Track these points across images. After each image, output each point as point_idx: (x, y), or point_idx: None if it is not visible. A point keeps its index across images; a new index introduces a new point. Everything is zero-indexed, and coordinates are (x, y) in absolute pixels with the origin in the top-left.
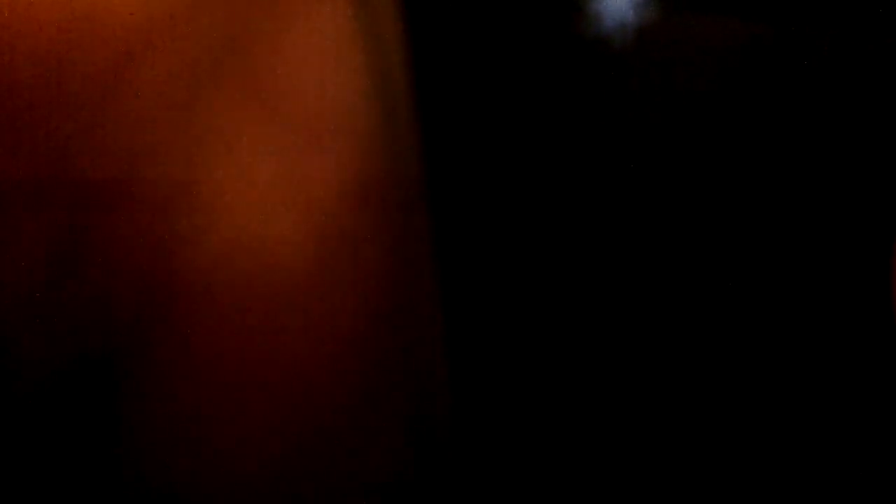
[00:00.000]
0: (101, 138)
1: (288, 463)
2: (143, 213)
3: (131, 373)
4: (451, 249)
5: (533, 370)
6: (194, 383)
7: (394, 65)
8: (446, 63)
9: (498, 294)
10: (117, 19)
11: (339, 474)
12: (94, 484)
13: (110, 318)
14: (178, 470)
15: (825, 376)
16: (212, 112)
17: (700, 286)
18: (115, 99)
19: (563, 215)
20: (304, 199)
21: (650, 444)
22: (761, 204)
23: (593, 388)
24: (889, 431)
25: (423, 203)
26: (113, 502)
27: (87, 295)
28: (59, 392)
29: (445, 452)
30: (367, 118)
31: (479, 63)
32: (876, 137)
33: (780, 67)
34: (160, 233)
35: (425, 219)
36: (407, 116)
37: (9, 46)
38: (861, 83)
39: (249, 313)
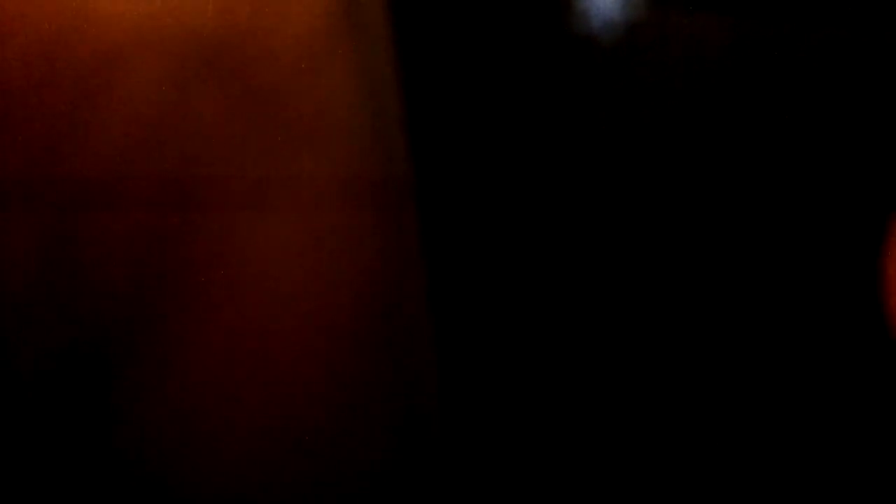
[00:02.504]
0: (93, 137)
1: (280, 459)
2: (135, 210)
3: (124, 369)
4: (441, 247)
5: (522, 366)
6: (187, 380)
7: (383, 66)
8: (435, 63)
9: (486, 291)
10: (108, 18)
11: (331, 470)
12: (86, 478)
13: (103, 314)
14: (170, 464)
15: (818, 372)
16: (202, 110)
17: (693, 283)
18: (107, 97)
19: (552, 213)
20: (294, 198)
21: (643, 442)
22: (753, 200)
23: (582, 384)
24: (884, 425)
25: (413, 202)
26: (105, 497)
27: (80, 292)
28: (52, 388)
29: (436, 448)
30: (357, 118)
31: (468, 63)
32: (868, 135)
33: (770, 64)
34: (152, 230)
35: (415, 217)
36: (396, 117)
37: None
38: (852, 80)
39: (241, 310)
